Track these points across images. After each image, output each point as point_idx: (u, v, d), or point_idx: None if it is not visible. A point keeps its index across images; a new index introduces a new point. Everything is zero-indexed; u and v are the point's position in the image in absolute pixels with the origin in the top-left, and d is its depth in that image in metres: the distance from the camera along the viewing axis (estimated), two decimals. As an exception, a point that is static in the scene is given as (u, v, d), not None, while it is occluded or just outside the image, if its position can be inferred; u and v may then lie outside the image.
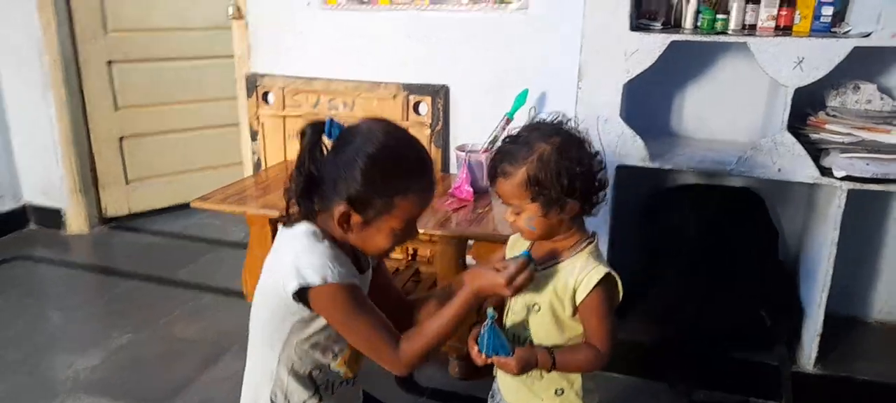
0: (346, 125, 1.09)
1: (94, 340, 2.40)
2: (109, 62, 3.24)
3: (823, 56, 1.73)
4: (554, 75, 2.28)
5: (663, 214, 2.22)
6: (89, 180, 3.34)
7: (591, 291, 1.18)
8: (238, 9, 2.69)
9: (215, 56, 3.26)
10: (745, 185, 2.22)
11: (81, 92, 3.21)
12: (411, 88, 2.49)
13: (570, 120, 1.23)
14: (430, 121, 2.50)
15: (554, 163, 1.15)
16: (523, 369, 1.18)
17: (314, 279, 1.03)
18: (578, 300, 1.19)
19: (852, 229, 1.96)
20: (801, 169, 1.83)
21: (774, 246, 2.19)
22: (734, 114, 2.20)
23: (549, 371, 1.21)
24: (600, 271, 1.19)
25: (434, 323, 1.12)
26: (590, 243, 1.24)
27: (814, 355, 1.99)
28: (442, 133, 2.50)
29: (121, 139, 3.37)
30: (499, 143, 1.25)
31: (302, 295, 1.05)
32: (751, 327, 2.06)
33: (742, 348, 2.07)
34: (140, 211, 3.48)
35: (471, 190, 2.21)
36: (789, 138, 1.83)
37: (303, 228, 1.10)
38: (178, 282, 2.80)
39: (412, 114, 2.52)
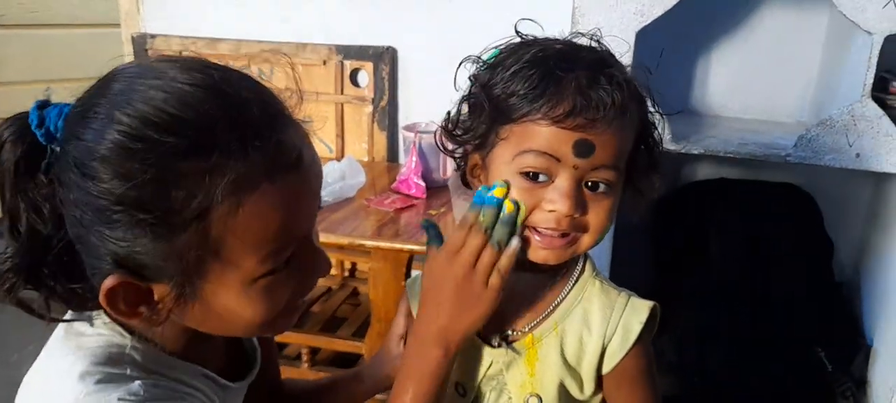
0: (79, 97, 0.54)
1: None
2: (-23, 26, 2.60)
3: (931, -14, 1.19)
4: (537, 28, 1.71)
5: (681, 219, 1.68)
6: (-46, 173, 2.69)
7: (633, 346, 0.69)
8: (120, -54, 2.08)
9: (113, 24, 2.64)
10: (788, 181, 1.67)
11: (-61, 62, 2.57)
12: (347, 51, 1.91)
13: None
14: (371, 94, 1.92)
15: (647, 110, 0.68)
16: None
17: None
18: (610, 365, 0.70)
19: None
20: (890, 153, 1.29)
21: (829, 264, 1.64)
22: (777, 86, 1.66)
23: None
24: (639, 310, 0.70)
25: None
26: (587, 261, 0.73)
27: (894, 414, 1.45)
28: (387, 110, 1.92)
29: (-6, 123, 2.73)
30: (553, 54, 0.64)
31: None
32: (804, 373, 1.51)
33: (789, 401, 1.53)
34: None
35: (422, 184, 1.64)
36: (874, 109, 1.28)
37: (89, 341, 0.57)
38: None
39: (349, 86, 1.95)
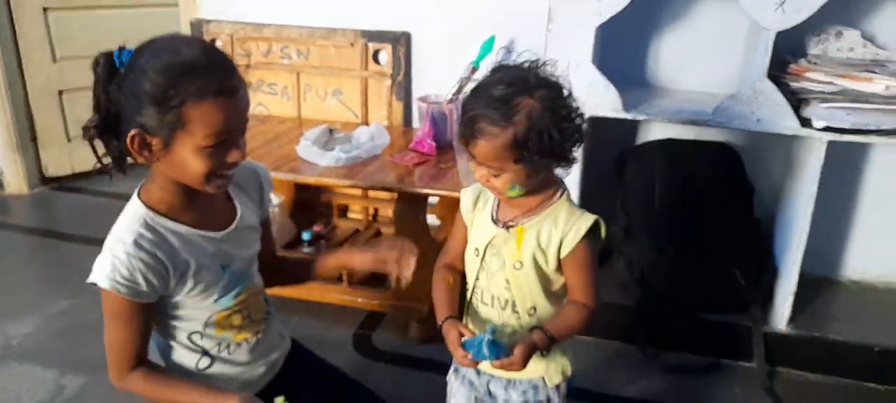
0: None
1: (30, 306, 2.24)
2: (45, 9, 2.99)
3: (807, -3, 1.62)
4: (523, 19, 2.13)
5: (634, 170, 2.11)
6: (27, 137, 3.11)
7: (578, 242, 1.11)
8: (181, -53, 2.48)
9: (161, 4, 3.03)
10: (723, 140, 2.12)
11: (15, 42, 2.96)
12: (370, 35, 2.33)
13: (544, 62, 1.11)
14: (390, 70, 2.34)
15: (545, 123, 1.04)
16: (527, 362, 1.08)
17: (97, 278, 1.02)
18: (564, 252, 1.13)
19: (828, 186, 1.87)
20: (781, 119, 1.73)
21: (750, 204, 2.10)
22: (713, 64, 2.08)
23: (549, 349, 1.12)
24: (588, 219, 1.12)
25: (174, 390, 1.09)
26: (564, 191, 1.17)
27: (787, 315, 1.92)
28: (404, 84, 2.34)
29: (60, 93, 3.14)
30: (469, 95, 1.10)
31: None
32: (724, 288, 1.97)
33: (714, 309, 2.00)
34: (84, 170, 3.23)
35: (433, 144, 2.08)
36: (769, 86, 1.72)
37: (133, 198, 1.07)
38: (123, 244, 2.63)
39: (372, 64, 2.36)
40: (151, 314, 1.08)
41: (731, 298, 1.98)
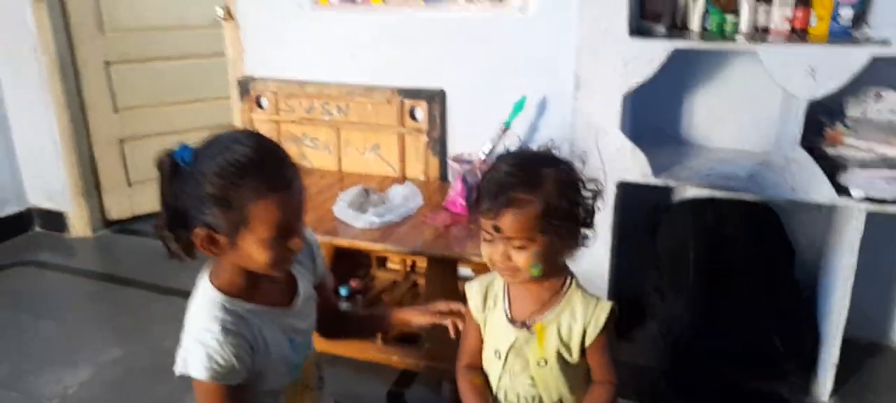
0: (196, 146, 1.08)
1: (85, 353, 2.37)
2: (107, 63, 3.18)
3: (838, 66, 1.57)
4: (554, 80, 2.15)
5: (667, 230, 2.09)
6: (91, 183, 3.30)
7: (602, 329, 1.14)
8: (227, 10, 2.59)
9: (214, 54, 3.17)
10: (759, 199, 2.06)
11: (80, 94, 3.16)
12: (406, 93, 2.38)
13: (553, 147, 1.15)
14: (426, 127, 2.38)
15: (572, 190, 1.08)
16: None
17: (195, 372, 1.06)
18: (589, 341, 1.16)
19: (874, 248, 1.80)
20: (816, 188, 1.68)
21: (790, 265, 2.04)
22: (747, 123, 2.04)
23: None
24: (606, 307, 1.15)
25: None
26: (573, 279, 1.18)
27: (829, 386, 1.85)
28: (439, 140, 2.38)
29: (121, 141, 3.32)
30: (485, 177, 1.12)
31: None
32: (761, 353, 1.92)
33: (751, 375, 1.94)
34: (143, 213, 3.42)
35: (465, 204, 2.10)
36: (802, 154, 1.68)
37: (204, 284, 1.12)
38: (177, 290, 2.74)
39: (408, 120, 2.41)
40: (242, 398, 1.12)
41: (769, 365, 1.92)
